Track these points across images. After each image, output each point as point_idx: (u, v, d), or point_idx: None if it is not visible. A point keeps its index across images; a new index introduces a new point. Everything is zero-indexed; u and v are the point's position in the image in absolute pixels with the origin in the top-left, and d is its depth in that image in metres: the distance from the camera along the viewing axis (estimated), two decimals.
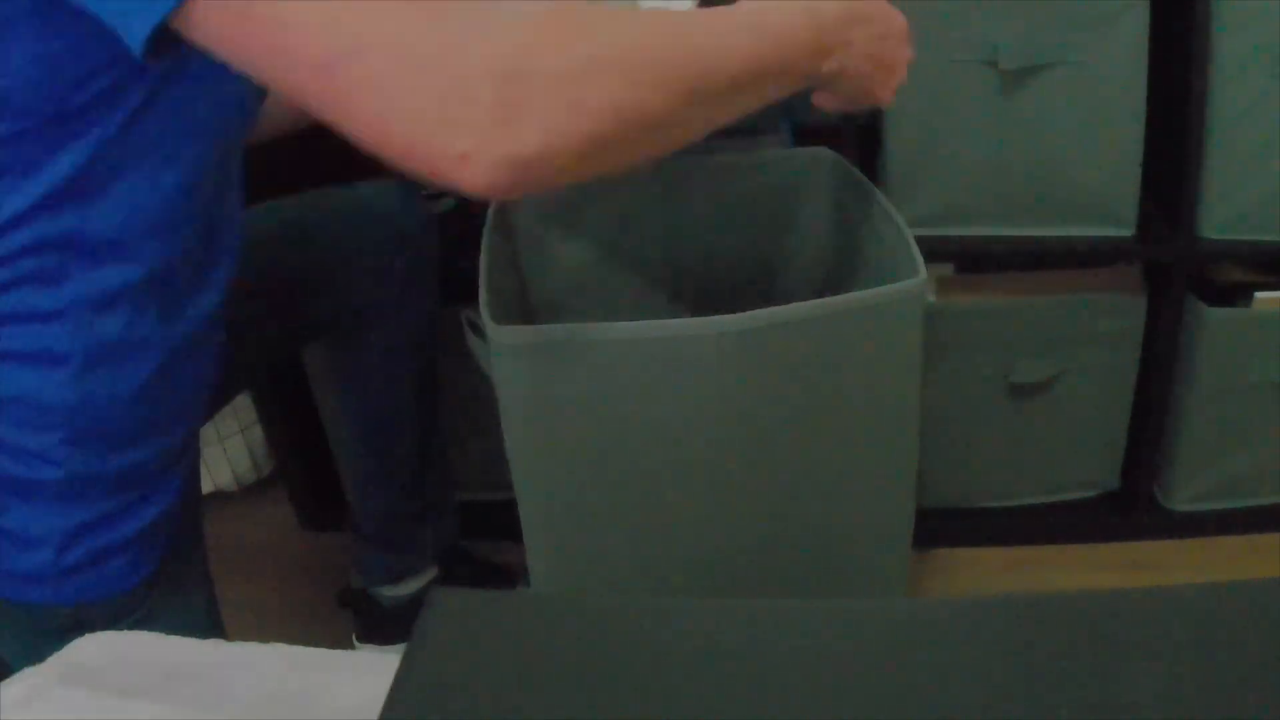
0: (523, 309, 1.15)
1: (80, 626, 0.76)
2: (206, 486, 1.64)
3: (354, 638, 1.33)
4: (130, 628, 0.81)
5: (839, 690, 0.47)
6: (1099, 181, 1.20)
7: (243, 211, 0.88)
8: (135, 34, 0.57)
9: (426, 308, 1.22)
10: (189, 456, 0.88)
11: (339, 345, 1.20)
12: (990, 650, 0.48)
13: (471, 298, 0.91)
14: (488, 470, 1.47)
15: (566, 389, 0.84)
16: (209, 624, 0.92)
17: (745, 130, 1.42)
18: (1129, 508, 1.42)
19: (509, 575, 1.38)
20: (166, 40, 0.58)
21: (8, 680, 0.65)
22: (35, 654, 0.66)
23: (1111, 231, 1.23)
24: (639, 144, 0.62)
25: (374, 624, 1.32)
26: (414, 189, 1.21)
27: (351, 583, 1.32)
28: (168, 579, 0.86)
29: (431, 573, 1.32)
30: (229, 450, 1.64)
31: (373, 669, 0.61)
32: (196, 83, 0.74)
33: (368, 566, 1.30)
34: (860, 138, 1.24)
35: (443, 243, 1.32)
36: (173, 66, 0.70)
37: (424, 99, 0.53)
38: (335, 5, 0.54)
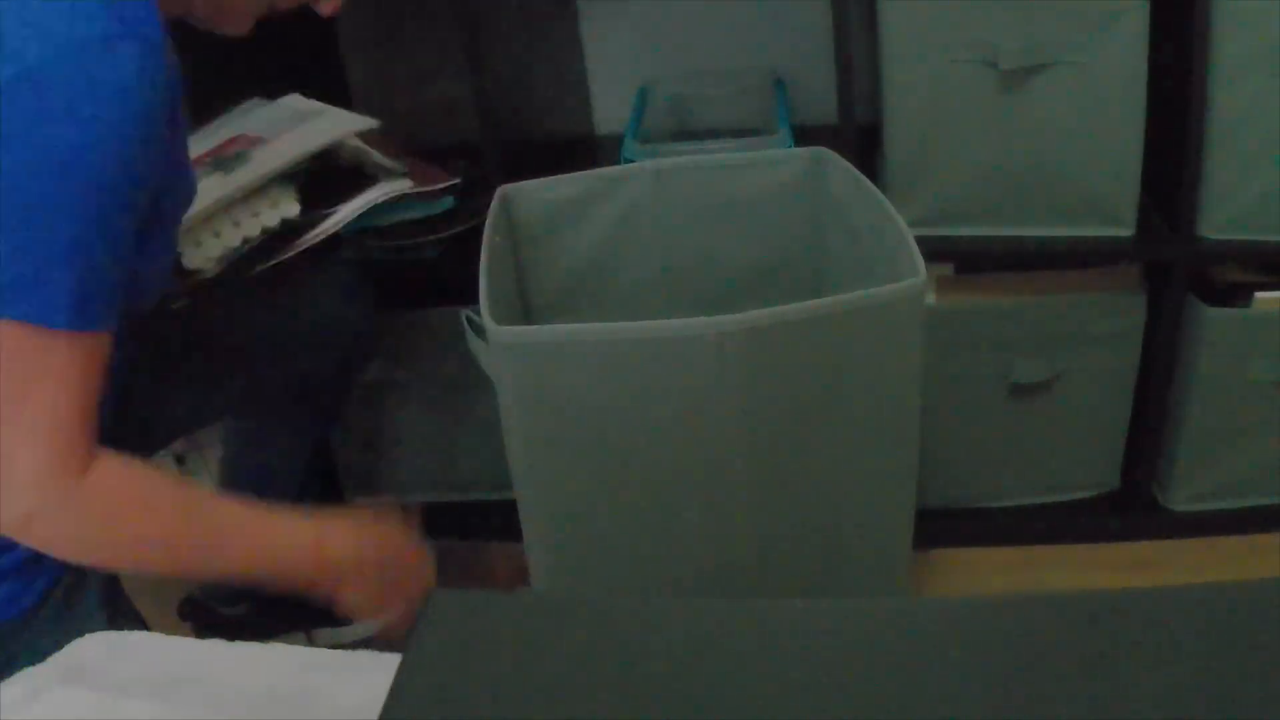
0: (523, 309, 1.15)
1: None
2: (206, 487, 1.64)
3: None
4: (22, 650, 0.81)
5: (839, 690, 0.47)
6: (1099, 181, 1.20)
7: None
8: None
9: (337, 405, 1.25)
10: None
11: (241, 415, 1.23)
12: (990, 650, 0.48)
13: (471, 298, 0.91)
14: (488, 470, 1.47)
15: (566, 389, 0.84)
16: None
17: (745, 130, 1.43)
18: (1129, 508, 1.42)
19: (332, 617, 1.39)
20: None
21: (8, 680, 0.65)
22: None
23: (1111, 231, 1.23)
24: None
25: (211, 635, 1.32)
26: (364, 291, 1.23)
27: (191, 594, 1.32)
28: (53, 611, 0.86)
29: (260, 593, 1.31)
30: None
31: (373, 669, 0.61)
32: None
33: (208, 585, 1.30)
34: (860, 138, 1.24)
35: (443, 243, 1.33)
36: None
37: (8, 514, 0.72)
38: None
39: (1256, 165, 1.17)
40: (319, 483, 1.32)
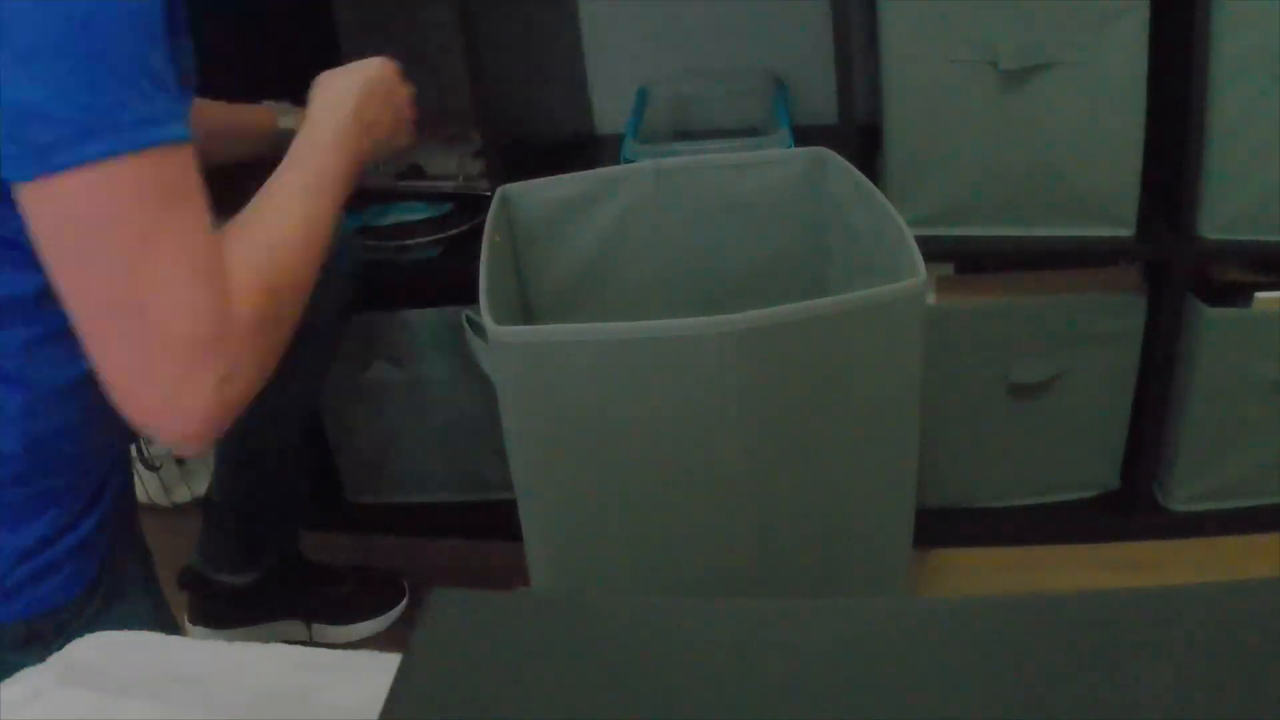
0: (523, 309, 1.15)
1: (32, 640, 0.78)
2: (205, 488, 1.64)
3: (186, 620, 1.35)
4: (78, 634, 0.82)
5: (839, 690, 0.47)
6: (1099, 181, 1.20)
7: None
8: None
9: (328, 349, 1.24)
10: (119, 471, 0.91)
11: None
12: (990, 650, 0.48)
13: (471, 298, 0.91)
14: (488, 470, 1.47)
15: (566, 389, 0.84)
16: (155, 622, 0.93)
17: (745, 130, 1.43)
18: (1129, 508, 1.42)
19: (336, 575, 1.40)
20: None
21: (8, 680, 0.65)
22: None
23: (1111, 231, 1.23)
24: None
25: (208, 607, 1.34)
26: (346, 231, 1.22)
27: (191, 564, 1.33)
28: (108, 584, 0.87)
29: (268, 566, 1.33)
30: None
31: (373, 669, 0.61)
32: None
33: (214, 553, 1.31)
34: (860, 138, 1.24)
35: (443, 243, 1.33)
36: None
37: (160, 377, 0.68)
38: (139, 257, 0.65)
39: (1256, 165, 1.17)
40: (311, 444, 1.33)
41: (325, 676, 0.64)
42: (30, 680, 0.65)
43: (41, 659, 0.82)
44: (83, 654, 0.67)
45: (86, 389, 0.81)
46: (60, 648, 0.83)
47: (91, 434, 0.84)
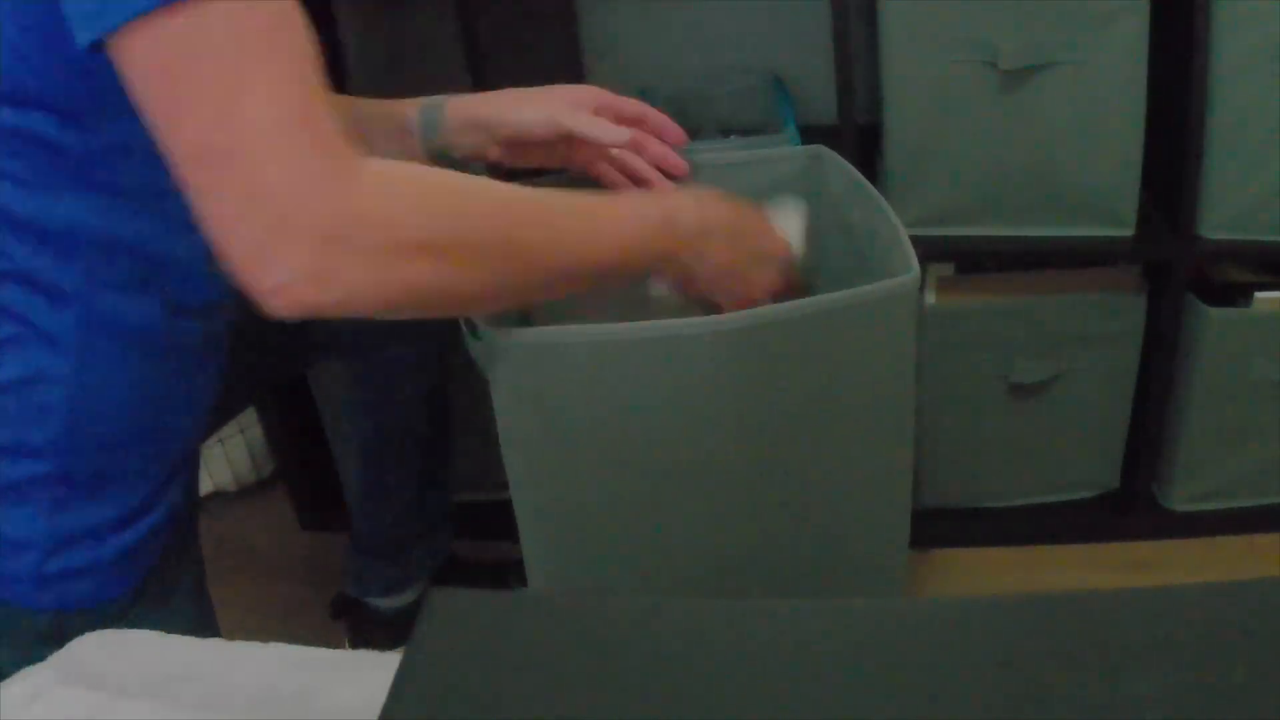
0: (521, 309, 1.15)
1: (59, 636, 0.76)
2: (206, 487, 1.64)
3: (346, 645, 1.32)
4: None
5: (839, 690, 0.47)
6: (1099, 181, 1.20)
7: None
8: (81, 38, 0.61)
9: (438, 328, 1.19)
10: (183, 475, 0.86)
11: (345, 362, 1.18)
12: (990, 650, 0.48)
13: None
14: (487, 470, 1.47)
15: (564, 389, 0.84)
16: (198, 631, 0.90)
17: (745, 130, 1.43)
18: (1129, 508, 1.42)
19: (500, 573, 1.38)
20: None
21: (8, 680, 0.65)
22: (14, 660, 0.66)
23: (1111, 231, 1.23)
24: (439, 312, 0.72)
25: (366, 632, 1.31)
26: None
27: (345, 590, 1.30)
28: (152, 594, 0.84)
29: (425, 584, 1.31)
30: (229, 450, 1.64)
31: (373, 669, 0.61)
32: None
33: (363, 577, 1.29)
34: (860, 138, 1.24)
35: None
36: None
37: (252, 230, 0.61)
38: (229, 102, 0.60)
39: (1256, 165, 1.17)
40: (445, 462, 1.26)
41: (325, 676, 0.64)
42: (30, 680, 0.65)
43: None
44: (83, 653, 0.67)
45: (142, 367, 0.78)
46: None
47: (144, 424, 0.79)
